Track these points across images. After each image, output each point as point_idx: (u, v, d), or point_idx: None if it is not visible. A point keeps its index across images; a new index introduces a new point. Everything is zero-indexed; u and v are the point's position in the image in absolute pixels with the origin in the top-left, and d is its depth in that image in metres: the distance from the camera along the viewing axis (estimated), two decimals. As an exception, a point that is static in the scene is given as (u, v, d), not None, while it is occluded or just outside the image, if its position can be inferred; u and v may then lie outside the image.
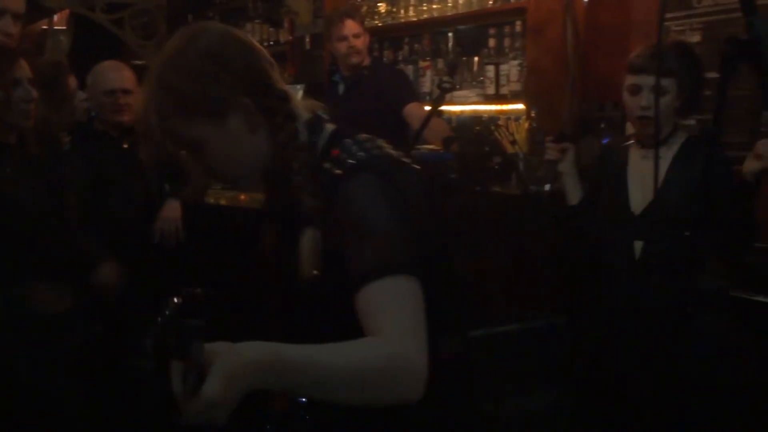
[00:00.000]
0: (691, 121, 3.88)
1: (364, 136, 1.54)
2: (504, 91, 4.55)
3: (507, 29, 4.62)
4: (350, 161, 1.47)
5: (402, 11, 5.29)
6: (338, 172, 1.46)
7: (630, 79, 2.67)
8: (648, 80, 2.60)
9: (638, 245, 2.65)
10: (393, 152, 1.53)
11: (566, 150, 2.74)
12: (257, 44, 1.57)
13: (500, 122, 4.37)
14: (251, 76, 1.49)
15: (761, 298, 3.32)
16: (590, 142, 4.14)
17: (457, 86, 4.77)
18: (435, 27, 5.21)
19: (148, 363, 1.13)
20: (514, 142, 4.05)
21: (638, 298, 2.64)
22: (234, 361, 1.15)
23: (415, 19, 5.21)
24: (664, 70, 2.60)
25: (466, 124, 5.03)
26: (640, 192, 2.69)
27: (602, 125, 4.14)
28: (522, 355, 3.60)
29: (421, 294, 1.35)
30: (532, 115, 4.22)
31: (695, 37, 3.89)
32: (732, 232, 2.61)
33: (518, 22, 4.51)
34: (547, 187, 2.75)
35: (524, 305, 3.69)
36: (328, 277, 1.43)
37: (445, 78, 3.48)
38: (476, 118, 4.97)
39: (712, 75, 2.80)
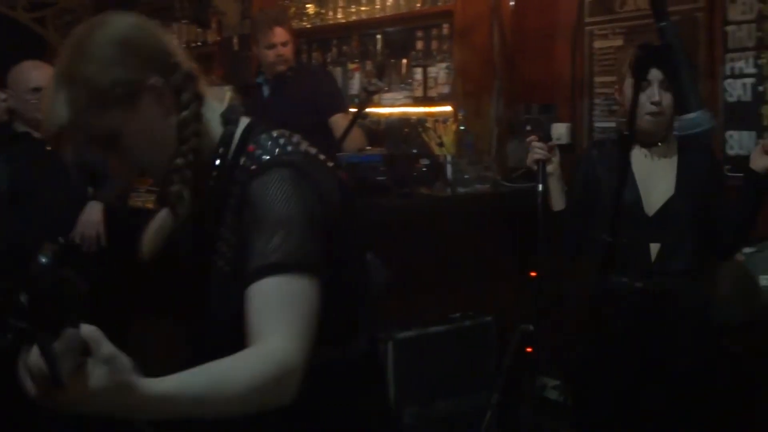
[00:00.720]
0: (612, 123, 3.98)
1: (279, 131, 1.51)
2: (432, 93, 4.57)
3: (434, 32, 4.65)
4: (264, 157, 1.45)
5: (330, 13, 5.28)
6: (253, 168, 1.44)
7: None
8: (656, 74, 2.46)
9: (654, 247, 2.60)
10: (309, 149, 1.51)
11: (554, 149, 2.65)
12: (159, 26, 1.54)
13: (428, 124, 4.39)
14: (157, 56, 1.46)
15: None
16: (516, 145, 4.19)
17: (385, 88, 4.79)
18: (363, 29, 5.21)
19: (23, 322, 1.00)
20: (441, 145, 4.08)
21: (655, 300, 2.60)
22: (126, 390, 1.09)
23: (343, 20, 5.20)
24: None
25: (394, 126, 5.04)
26: (652, 193, 2.64)
27: (528, 127, 4.18)
28: (450, 355, 3.62)
29: (316, 295, 1.34)
30: (460, 117, 4.25)
31: (617, 41, 3.97)
32: (738, 229, 2.64)
33: (446, 25, 4.53)
34: (540, 188, 2.63)
35: (452, 306, 3.72)
36: (237, 274, 1.40)
37: (373, 80, 3.49)
38: (405, 120, 4.97)
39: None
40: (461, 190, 3.97)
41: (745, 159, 3.45)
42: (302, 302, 1.32)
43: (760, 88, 3.44)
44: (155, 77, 1.44)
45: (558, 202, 2.67)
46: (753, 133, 3.47)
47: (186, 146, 1.44)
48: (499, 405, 3.52)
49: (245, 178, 1.43)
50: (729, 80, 3.54)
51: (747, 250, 3.17)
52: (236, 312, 1.35)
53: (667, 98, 2.53)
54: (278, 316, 1.30)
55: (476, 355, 3.71)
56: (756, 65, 3.45)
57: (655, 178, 2.61)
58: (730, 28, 3.54)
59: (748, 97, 3.48)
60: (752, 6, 3.45)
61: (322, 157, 1.53)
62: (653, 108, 2.55)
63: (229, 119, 1.52)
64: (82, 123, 1.42)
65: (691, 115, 1.32)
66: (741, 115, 3.49)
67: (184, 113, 1.45)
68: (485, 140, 4.30)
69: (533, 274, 3.93)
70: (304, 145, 1.51)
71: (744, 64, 3.48)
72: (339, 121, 4.16)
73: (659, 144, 2.64)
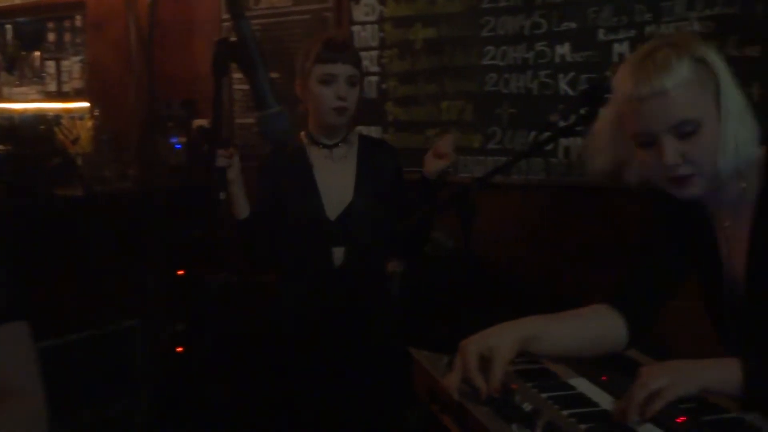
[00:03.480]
0: (251, 120, 4.03)
1: None
2: (66, 88, 4.38)
3: (67, 23, 4.46)
4: None
5: (-49, 0, 4.85)
6: None
7: (322, 69, 2.45)
8: (345, 69, 2.43)
9: (338, 251, 2.51)
10: None
11: (233, 156, 2.45)
12: None
13: (63, 121, 4.18)
14: None
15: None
16: (158, 141, 4.11)
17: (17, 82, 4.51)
18: (-9, 18, 4.86)
19: None
20: (75, 141, 3.90)
21: (342, 302, 2.54)
22: None
23: (-33, 8, 4.81)
24: (357, 60, 2.51)
25: (28, 123, 4.75)
26: (333, 197, 2.56)
27: (170, 124, 4.12)
28: (95, 362, 3.46)
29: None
30: (96, 113, 4.09)
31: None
32: (418, 228, 2.58)
33: (78, 17, 4.35)
34: (222, 195, 2.41)
35: (97, 312, 3.57)
36: None
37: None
38: (40, 117, 4.71)
39: (274, 75, 2.89)
40: (99, 188, 3.81)
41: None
42: (32, 346, 1.33)
43: (384, 86, 3.66)
44: None
45: (242, 210, 2.49)
46: (379, 128, 3.68)
47: None
48: (148, 409, 3.44)
49: None
50: (357, 78, 3.72)
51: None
52: None
53: (352, 94, 2.50)
54: (23, 368, 1.31)
55: (123, 360, 3.60)
56: (380, 64, 3.66)
57: (336, 181, 2.56)
58: (356, 28, 3.71)
59: (374, 94, 3.68)
60: (374, 8, 3.65)
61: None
62: (340, 103, 2.47)
63: None
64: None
65: (268, 112, 1.35)
66: (368, 112, 3.68)
67: None
68: (125, 137, 4.16)
69: (181, 272, 3.90)
70: None
71: (369, 63, 3.67)
72: None
73: (340, 144, 2.59)
